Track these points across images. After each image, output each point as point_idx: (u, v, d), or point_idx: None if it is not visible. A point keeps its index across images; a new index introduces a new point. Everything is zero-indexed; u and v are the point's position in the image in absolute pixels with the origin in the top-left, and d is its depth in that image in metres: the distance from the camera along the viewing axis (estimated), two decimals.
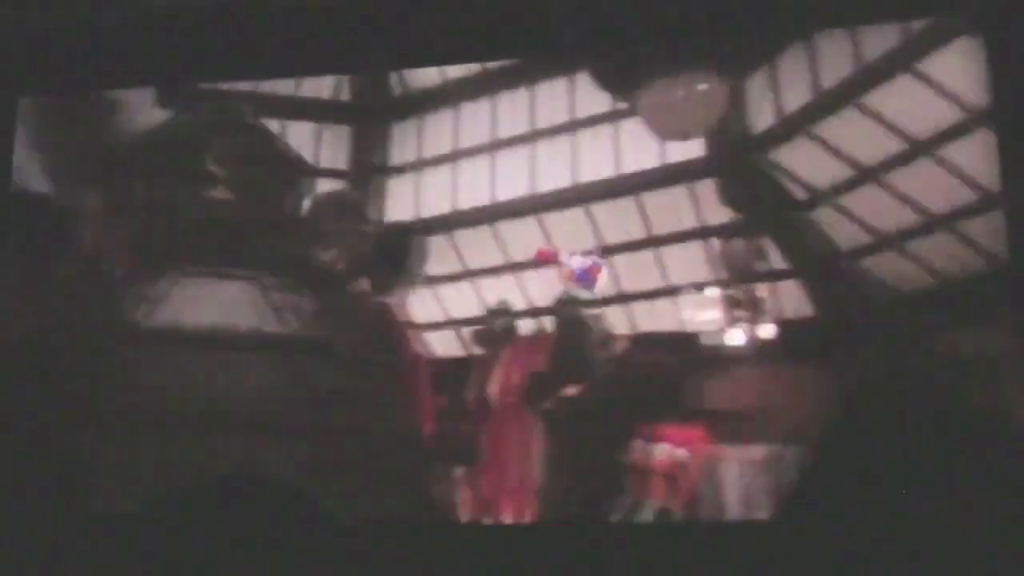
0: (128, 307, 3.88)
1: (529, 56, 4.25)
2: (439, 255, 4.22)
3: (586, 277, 4.05)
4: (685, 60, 3.91)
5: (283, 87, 4.51)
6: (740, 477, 3.73)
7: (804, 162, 3.90)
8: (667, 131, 3.98)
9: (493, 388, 3.91)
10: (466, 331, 4.13)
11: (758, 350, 3.75)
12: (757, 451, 3.67)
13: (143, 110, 4.52)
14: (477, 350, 4.05)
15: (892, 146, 3.75)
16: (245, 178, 4.15)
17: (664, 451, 3.64)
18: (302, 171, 4.32)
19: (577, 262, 4.05)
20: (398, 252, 4.11)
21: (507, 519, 3.68)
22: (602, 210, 4.14)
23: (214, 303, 3.83)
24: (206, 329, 3.81)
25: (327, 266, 4.07)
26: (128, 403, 3.84)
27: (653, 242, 4.09)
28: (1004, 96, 3.09)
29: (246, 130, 4.29)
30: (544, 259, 4.11)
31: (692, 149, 4.01)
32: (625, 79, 3.98)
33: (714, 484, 3.77)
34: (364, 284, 4.08)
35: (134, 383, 3.85)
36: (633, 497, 3.60)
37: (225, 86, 4.38)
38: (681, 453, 3.62)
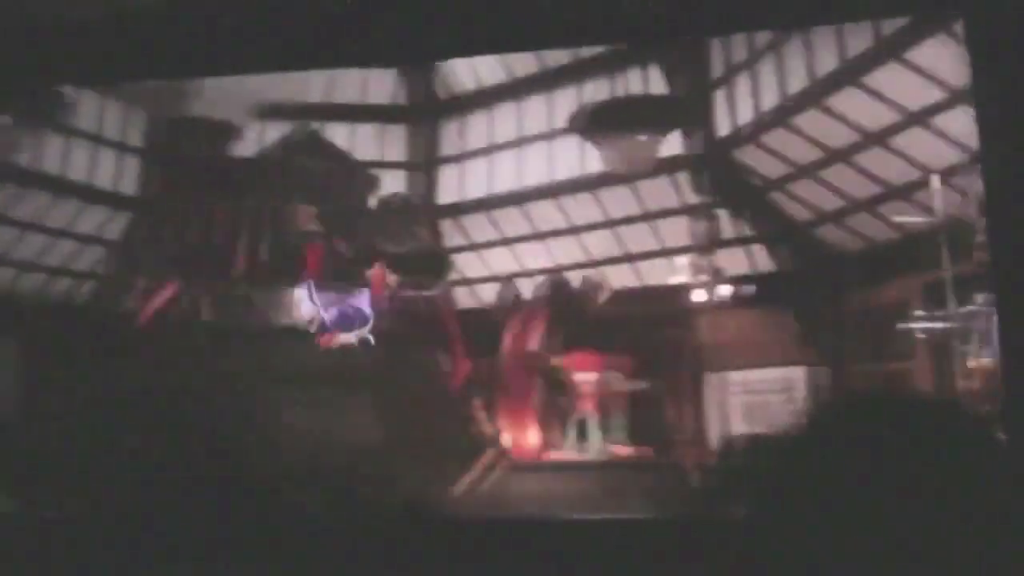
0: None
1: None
2: (479, 230, 5.47)
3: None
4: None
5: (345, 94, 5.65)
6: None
7: (758, 160, 5.11)
8: (624, 167, 5.31)
9: (507, 346, 5.10)
10: (491, 298, 5.38)
11: (716, 304, 5.04)
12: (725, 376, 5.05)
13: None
14: (498, 314, 5.24)
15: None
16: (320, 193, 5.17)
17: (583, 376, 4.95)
18: (367, 176, 5.43)
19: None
20: (433, 258, 5.25)
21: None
22: (607, 194, 5.38)
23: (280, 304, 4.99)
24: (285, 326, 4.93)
25: (384, 265, 5.16)
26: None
27: (643, 218, 5.35)
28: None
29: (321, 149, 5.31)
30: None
31: (676, 149, 5.23)
32: (601, 134, 5.29)
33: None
34: (410, 280, 5.18)
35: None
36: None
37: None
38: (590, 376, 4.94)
